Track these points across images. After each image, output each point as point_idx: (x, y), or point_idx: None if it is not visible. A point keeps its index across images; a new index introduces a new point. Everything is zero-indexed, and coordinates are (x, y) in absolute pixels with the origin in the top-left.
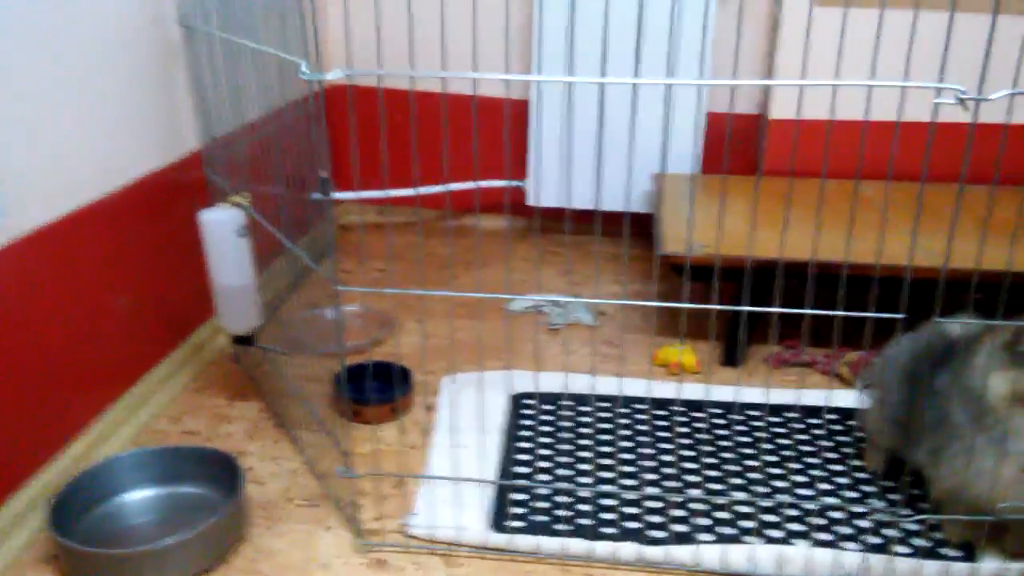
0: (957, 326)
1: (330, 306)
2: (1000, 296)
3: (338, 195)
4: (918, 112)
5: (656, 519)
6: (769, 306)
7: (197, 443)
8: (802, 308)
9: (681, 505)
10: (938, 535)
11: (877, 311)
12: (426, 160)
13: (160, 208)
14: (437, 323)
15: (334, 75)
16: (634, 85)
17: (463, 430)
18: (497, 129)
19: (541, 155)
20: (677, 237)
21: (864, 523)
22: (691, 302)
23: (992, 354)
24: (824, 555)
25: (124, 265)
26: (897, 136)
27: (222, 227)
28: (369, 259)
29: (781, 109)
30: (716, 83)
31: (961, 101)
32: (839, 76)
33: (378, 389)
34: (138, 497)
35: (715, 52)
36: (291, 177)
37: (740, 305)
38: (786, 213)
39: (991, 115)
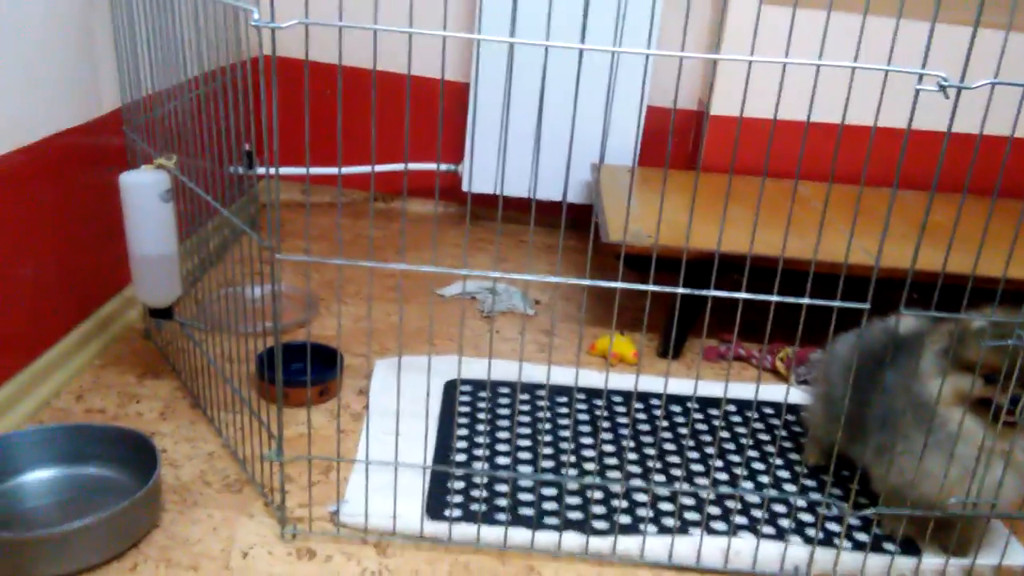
0: (906, 322)
1: (253, 283)
2: (934, 296)
3: (260, 170)
4: (862, 116)
5: (599, 510)
6: (704, 304)
7: (104, 422)
8: (740, 298)
9: (625, 495)
10: (879, 531)
11: (812, 307)
12: (361, 139)
13: (72, 169)
14: (366, 306)
15: (290, 23)
16: (580, 52)
17: (397, 415)
18: (434, 111)
19: (477, 140)
20: (620, 226)
21: (808, 517)
22: (624, 296)
23: (935, 357)
24: (771, 548)
25: (27, 229)
26: (840, 138)
27: (144, 191)
28: (291, 238)
29: (722, 105)
30: (664, 54)
31: (943, 88)
32: (784, 77)
33: (307, 372)
34: (37, 478)
35: (660, 45)
36: (217, 147)
37: (678, 295)
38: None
39: (937, 122)
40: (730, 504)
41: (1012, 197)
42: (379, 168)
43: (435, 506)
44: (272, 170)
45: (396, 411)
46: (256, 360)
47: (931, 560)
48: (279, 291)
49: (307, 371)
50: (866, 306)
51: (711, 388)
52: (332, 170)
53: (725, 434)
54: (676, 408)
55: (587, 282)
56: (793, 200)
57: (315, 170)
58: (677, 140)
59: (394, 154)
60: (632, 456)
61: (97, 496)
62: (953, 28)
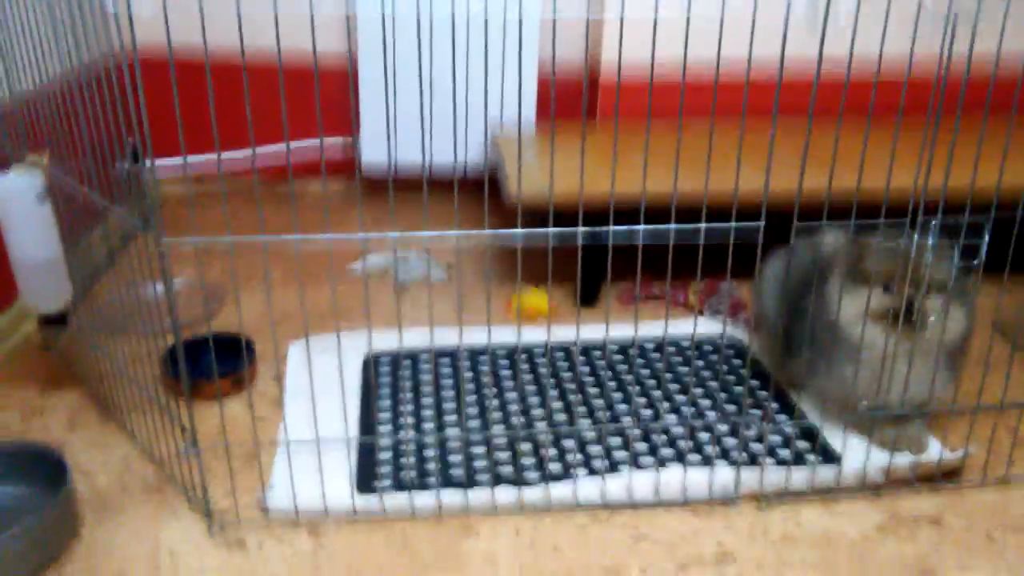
0: (828, 240)
1: (151, 280)
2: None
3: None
4: (734, 52)
5: (529, 461)
6: (607, 246)
7: (8, 438)
8: (640, 244)
9: (554, 444)
10: (802, 445)
11: (714, 242)
12: (255, 123)
13: None
14: (274, 292)
15: (149, 9)
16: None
17: (316, 396)
18: (321, 89)
19: (370, 114)
20: (517, 182)
21: (732, 441)
22: (537, 252)
23: (840, 276)
24: (698, 475)
25: None
26: (717, 80)
27: (18, 194)
28: (186, 232)
29: (611, 63)
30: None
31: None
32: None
33: (218, 363)
34: None
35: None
36: (97, 143)
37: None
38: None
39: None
40: (656, 438)
41: (890, 117)
42: (261, 150)
43: (364, 480)
44: (149, 163)
45: (310, 390)
46: (162, 358)
47: (851, 465)
48: (172, 282)
49: (219, 363)
50: (760, 224)
51: (628, 330)
52: (212, 156)
53: (645, 371)
54: (597, 353)
55: (488, 232)
56: (679, 141)
57: (194, 157)
58: (571, 98)
59: (283, 137)
60: (556, 405)
61: (9, 515)
62: None
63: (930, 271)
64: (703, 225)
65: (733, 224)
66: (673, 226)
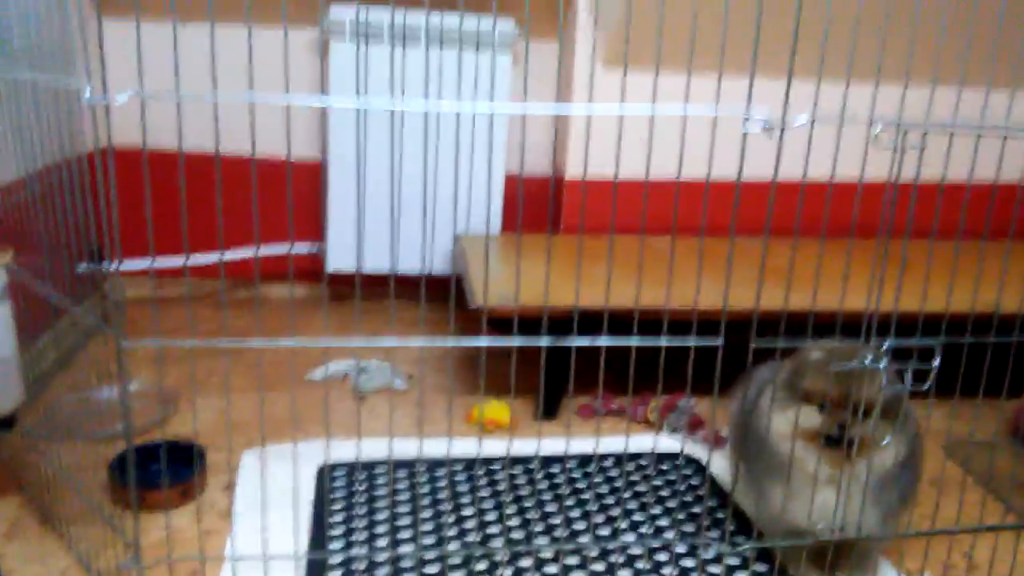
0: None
1: (104, 385)
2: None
3: (110, 266)
4: (695, 171)
5: None
6: (570, 357)
7: None
8: (602, 357)
9: (510, 561)
10: (760, 568)
11: (673, 356)
12: (215, 227)
13: None
14: (231, 398)
15: (122, 98)
16: (430, 122)
17: (267, 509)
18: (285, 193)
19: (335, 218)
20: (482, 290)
21: (690, 562)
22: (498, 363)
23: (777, 391)
24: None
25: None
26: (678, 193)
27: None
28: (146, 333)
29: (575, 169)
30: (507, 108)
31: (767, 130)
32: (623, 137)
33: (168, 471)
34: None
35: (514, 120)
36: (58, 243)
37: (543, 351)
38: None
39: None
40: (613, 558)
41: (842, 236)
42: (229, 255)
43: None
44: (114, 264)
45: (261, 502)
46: (109, 466)
47: None
48: (128, 384)
49: (168, 472)
50: (720, 342)
51: (587, 445)
52: (180, 261)
53: (604, 489)
54: (555, 469)
55: (452, 342)
56: (642, 253)
57: (161, 262)
58: (536, 207)
59: (251, 239)
60: (514, 522)
61: None
62: (776, 81)
63: (868, 393)
64: (664, 341)
65: (693, 341)
66: (635, 341)
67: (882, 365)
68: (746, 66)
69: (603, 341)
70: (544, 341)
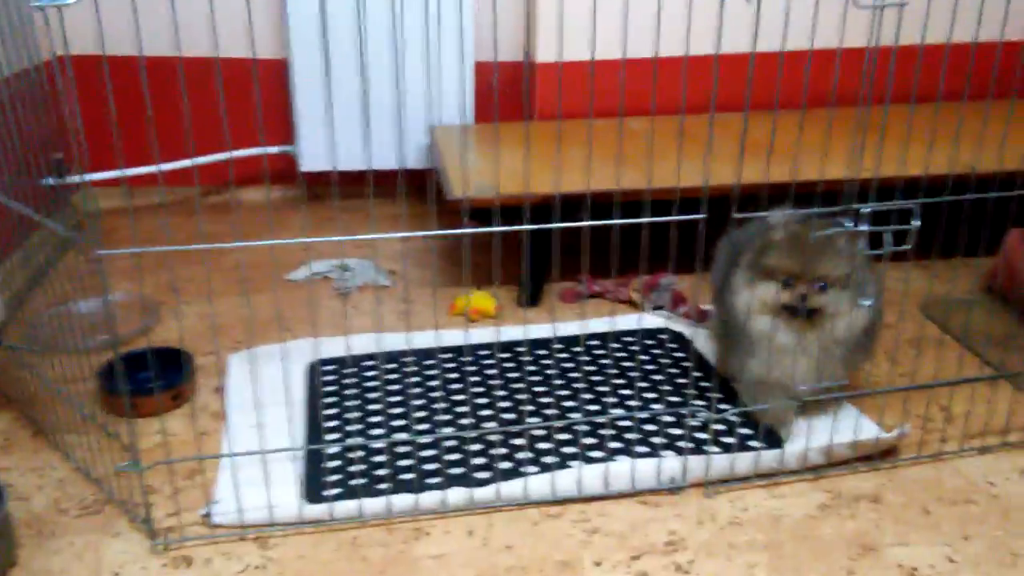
0: (775, 219)
1: (83, 298)
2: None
3: (75, 178)
4: (671, 47)
5: (480, 461)
6: (551, 243)
7: None
8: (587, 239)
9: (504, 443)
10: (746, 431)
11: (655, 236)
12: (181, 134)
13: None
14: (211, 303)
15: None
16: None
17: (260, 407)
18: (253, 93)
19: (306, 117)
20: (462, 181)
21: (678, 431)
22: (478, 252)
23: (744, 269)
24: (646, 465)
25: None
26: (657, 71)
27: None
28: (121, 244)
29: (546, 52)
30: None
31: None
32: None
33: (157, 377)
34: None
35: (481, 5)
36: (23, 156)
37: (527, 237)
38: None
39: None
40: (604, 431)
41: (822, 107)
42: (201, 160)
43: (313, 489)
44: (82, 176)
45: (253, 401)
46: (98, 374)
47: (792, 449)
48: (109, 295)
49: (153, 376)
50: (702, 216)
51: (573, 328)
52: (151, 168)
53: (591, 368)
54: (543, 352)
55: (434, 233)
56: (622, 135)
57: (132, 171)
58: (508, 93)
59: (220, 143)
60: (505, 404)
61: None
62: None
63: (827, 267)
64: (646, 220)
65: (675, 217)
66: (618, 221)
67: (834, 232)
68: None
69: (586, 223)
70: (527, 227)
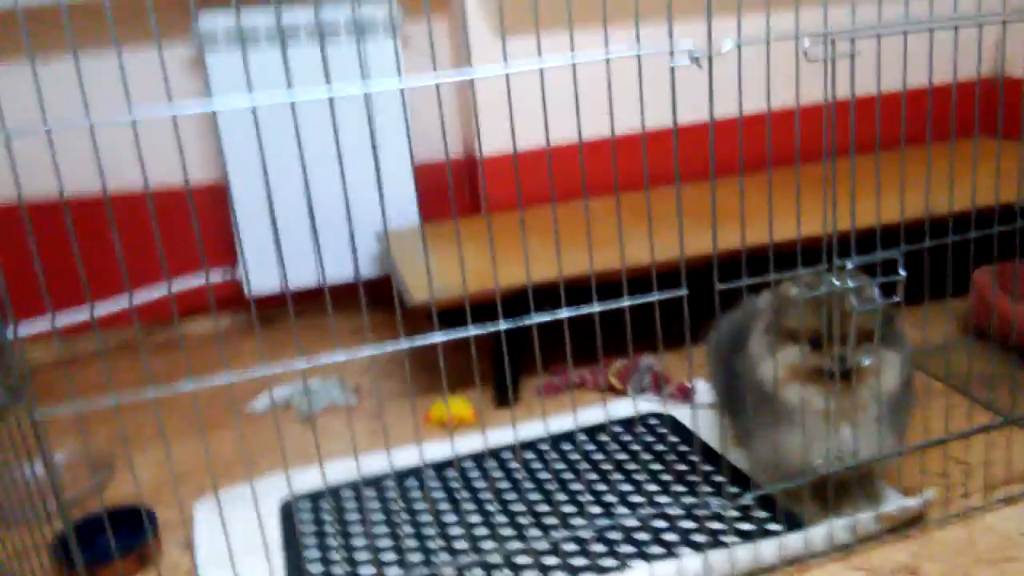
0: (764, 298)
1: (28, 460)
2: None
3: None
4: (625, 124)
5: None
6: (526, 336)
7: None
8: (560, 331)
9: (506, 564)
10: (761, 515)
11: (633, 316)
12: (113, 273)
13: None
14: (167, 447)
15: None
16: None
17: (235, 558)
18: (188, 221)
19: (247, 240)
20: (422, 285)
21: (690, 524)
22: (445, 356)
23: (762, 335)
24: (666, 567)
25: None
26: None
27: None
28: (60, 400)
29: (491, 146)
30: (417, 82)
31: (695, 60)
32: (538, 102)
33: (117, 540)
34: None
35: (413, 109)
36: None
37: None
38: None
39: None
40: (612, 535)
41: (788, 166)
42: (141, 299)
43: None
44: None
45: (227, 552)
46: (51, 547)
47: (817, 529)
48: (53, 458)
49: (118, 541)
50: (684, 292)
51: (555, 424)
52: (84, 314)
53: (586, 466)
54: (531, 455)
55: (406, 344)
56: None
57: (64, 318)
58: (452, 192)
59: (154, 278)
60: (501, 519)
61: None
62: (694, 22)
63: (856, 319)
64: (626, 302)
65: (656, 296)
66: (596, 308)
67: (857, 283)
68: (659, 10)
69: (564, 313)
70: (503, 324)
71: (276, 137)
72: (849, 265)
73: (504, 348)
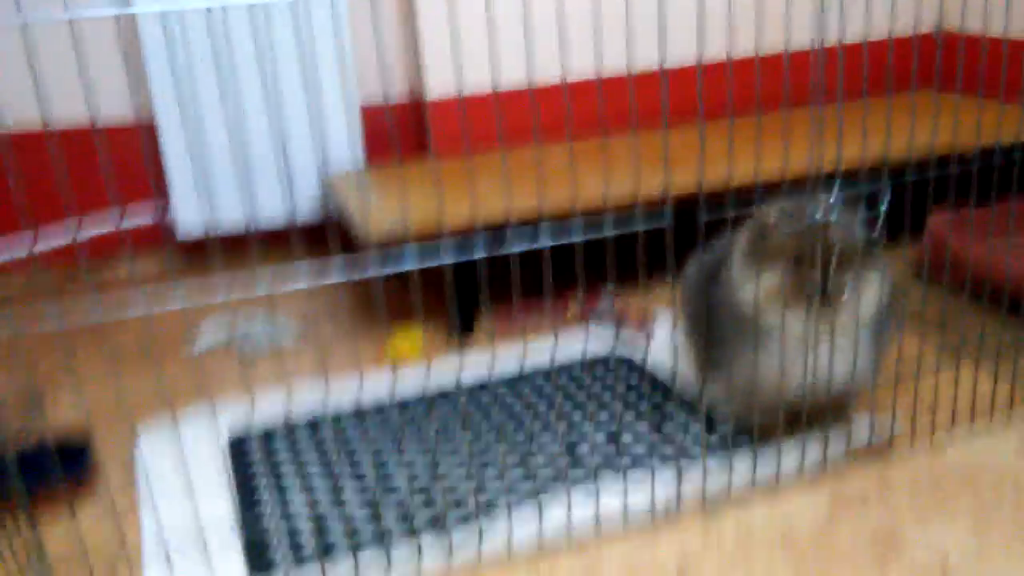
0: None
1: None
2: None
3: None
4: (586, 70)
5: (454, 512)
6: (477, 273)
7: None
8: (508, 270)
9: (476, 492)
10: (732, 441)
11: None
12: (43, 209)
13: None
14: (105, 384)
15: None
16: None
17: (181, 487)
18: (124, 160)
19: (179, 181)
20: (377, 225)
21: (667, 450)
22: (399, 293)
23: (742, 260)
24: (638, 497)
25: None
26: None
27: None
28: None
29: (437, 89)
30: None
31: None
32: (493, 44)
33: (54, 472)
34: None
35: (355, 46)
36: None
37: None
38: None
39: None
40: (585, 455)
41: (775, 111)
42: (82, 235)
43: (258, 559)
44: None
45: (174, 478)
46: None
47: (788, 455)
48: None
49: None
50: (667, 222)
51: (512, 360)
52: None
53: (543, 400)
54: (505, 390)
55: (343, 276)
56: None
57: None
58: (399, 136)
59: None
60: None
61: None
62: None
63: (845, 239)
64: (610, 232)
65: (641, 226)
66: (577, 236)
67: (835, 211)
68: None
69: (545, 242)
70: (479, 254)
71: (210, 76)
72: (834, 194)
73: (477, 279)
